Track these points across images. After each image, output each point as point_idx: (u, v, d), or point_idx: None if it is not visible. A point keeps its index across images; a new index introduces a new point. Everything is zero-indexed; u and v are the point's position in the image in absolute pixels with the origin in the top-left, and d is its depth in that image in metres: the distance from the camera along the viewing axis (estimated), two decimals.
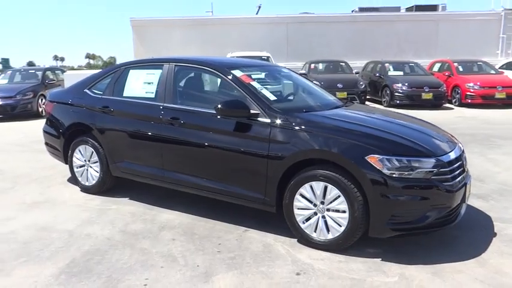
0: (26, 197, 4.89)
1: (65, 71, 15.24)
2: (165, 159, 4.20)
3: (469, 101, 13.43)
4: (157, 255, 3.41)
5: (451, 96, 14.12)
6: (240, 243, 3.62)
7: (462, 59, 15.79)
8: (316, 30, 19.52)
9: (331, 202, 3.37)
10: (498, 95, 13.26)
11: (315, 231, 3.47)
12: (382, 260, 3.30)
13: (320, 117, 3.73)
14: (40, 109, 12.49)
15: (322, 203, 3.41)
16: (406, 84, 13.26)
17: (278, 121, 3.58)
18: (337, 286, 2.93)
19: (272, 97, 3.93)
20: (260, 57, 13.76)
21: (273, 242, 3.65)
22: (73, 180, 5.40)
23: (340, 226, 3.35)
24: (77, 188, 5.13)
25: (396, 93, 13.30)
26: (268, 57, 14.58)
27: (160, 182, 4.35)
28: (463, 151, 3.77)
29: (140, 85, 4.54)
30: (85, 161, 4.91)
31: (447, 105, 13.82)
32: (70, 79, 11.17)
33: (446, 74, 14.70)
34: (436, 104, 13.25)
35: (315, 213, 3.46)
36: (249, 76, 4.10)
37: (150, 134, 4.27)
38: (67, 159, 5.10)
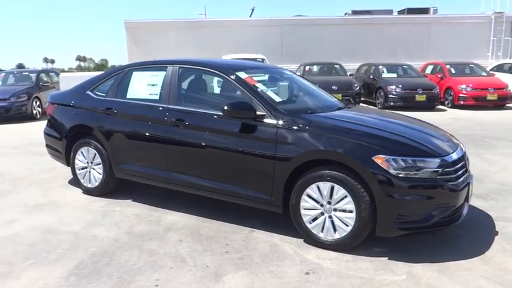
0: (27, 199, 4.87)
1: (59, 73, 15.14)
2: (170, 160, 4.21)
3: (462, 102, 13.60)
4: (166, 256, 3.42)
5: (444, 98, 14.30)
6: (247, 244, 3.65)
7: (454, 61, 16.00)
8: (309, 33, 19.63)
9: (338, 202, 3.41)
10: (490, 97, 13.46)
11: (322, 231, 3.51)
12: (389, 259, 3.35)
13: (326, 119, 3.77)
14: (34, 111, 12.40)
15: (329, 203, 3.45)
16: (400, 86, 13.40)
17: (285, 122, 3.62)
18: (347, 285, 2.97)
19: (277, 99, 3.97)
20: (255, 60, 13.82)
21: (280, 242, 3.68)
22: (74, 182, 5.39)
23: (347, 226, 3.39)
24: (79, 190, 5.12)
25: (390, 95, 13.42)
26: (263, 59, 14.64)
27: (165, 183, 4.36)
28: (465, 151, 3.84)
29: (144, 87, 4.55)
30: (87, 163, 4.90)
31: (440, 106, 14.00)
32: (66, 81, 11.19)
33: (439, 76, 14.87)
34: (429, 105, 13.41)
35: (322, 213, 3.50)
36: (254, 78, 4.13)
37: (154, 135, 4.28)
38: (69, 161, 5.08)
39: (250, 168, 3.76)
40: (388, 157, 3.23)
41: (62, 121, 5.07)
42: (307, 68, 15.45)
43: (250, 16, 23.70)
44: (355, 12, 21.57)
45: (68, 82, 11.02)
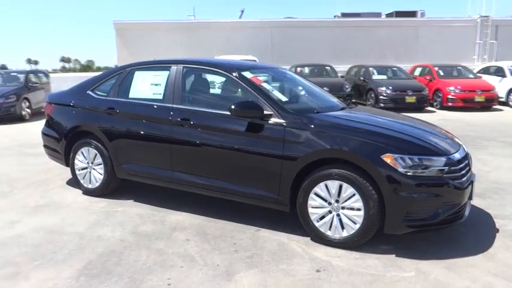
0: (27, 200, 4.80)
1: (48, 74, 14.93)
2: (174, 160, 4.20)
3: (450, 104, 13.82)
4: (175, 256, 3.41)
5: (433, 99, 14.51)
6: (254, 243, 3.65)
7: (442, 64, 16.26)
8: (299, 35, 19.75)
9: (346, 200, 3.44)
10: (478, 99, 13.69)
11: (330, 229, 3.54)
12: (396, 256, 3.39)
13: (332, 118, 3.81)
14: (23, 112, 12.20)
15: (337, 201, 3.48)
16: (390, 87, 13.55)
17: (292, 122, 3.64)
18: (358, 282, 3.00)
19: (283, 98, 3.99)
20: (247, 61, 13.82)
21: (287, 240, 3.70)
22: (73, 183, 5.34)
23: (355, 224, 3.43)
24: (79, 191, 5.06)
25: (381, 97, 13.56)
26: (254, 61, 14.65)
27: (169, 183, 4.34)
28: (467, 151, 3.91)
29: (147, 86, 4.54)
30: (88, 163, 4.85)
31: (429, 108, 14.20)
32: (57, 82, 10.99)
33: (428, 78, 15.09)
34: (419, 107, 13.59)
35: (330, 212, 3.53)
36: (259, 78, 4.15)
37: (158, 135, 4.26)
38: (68, 161, 5.03)
39: (257, 167, 3.77)
40: (397, 156, 3.28)
41: (62, 121, 5.01)
42: (298, 69, 15.52)
43: (240, 18, 23.72)
44: (344, 15, 21.76)
45: (59, 83, 10.94)
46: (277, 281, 3.01)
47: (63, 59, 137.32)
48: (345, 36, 19.96)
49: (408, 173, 3.26)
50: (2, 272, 3.14)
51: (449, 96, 13.84)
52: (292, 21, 21.06)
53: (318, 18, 21.74)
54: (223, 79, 4.30)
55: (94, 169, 4.82)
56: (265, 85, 4.03)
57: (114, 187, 4.86)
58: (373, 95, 13.95)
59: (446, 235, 3.76)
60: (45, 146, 5.39)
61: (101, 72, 5.19)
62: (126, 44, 19.24)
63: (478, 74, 15.78)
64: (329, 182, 3.47)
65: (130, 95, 4.60)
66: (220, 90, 4.48)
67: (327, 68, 15.77)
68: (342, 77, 15.40)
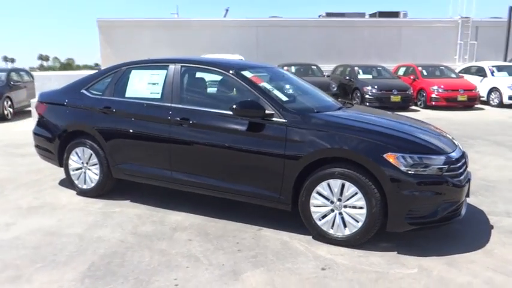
0: (20, 202, 4.70)
1: (30, 73, 14.62)
2: (174, 159, 4.17)
3: (434, 103, 14.09)
4: (179, 256, 3.39)
5: (417, 98, 14.75)
6: (257, 242, 3.66)
7: (426, 64, 16.56)
8: (285, 34, 19.84)
9: (348, 199, 3.48)
10: (460, 98, 13.99)
11: (332, 228, 3.58)
12: (398, 253, 3.45)
13: (333, 117, 3.84)
14: (6, 112, 11.91)
15: (339, 200, 3.52)
16: (376, 87, 13.73)
17: (294, 121, 3.66)
18: (364, 279, 3.04)
19: (284, 97, 4.01)
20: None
21: (289, 239, 3.72)
22: (65, 183, 5.25)
23: (358, 222, 3.47)
24: (72, 192, 4.98)
25: (366, 96, 13.73)
26: (241, 59, 14.65)
27: (168, 183, 4.31)
28: (463, 150, 4.00)
29: (144, 85, 4.49)
30: (82, 163, 4.78)
31: (413, 107, 14.43)
32: (41, 81, 10.79)
33: (412, 77, 15.35)
34: (403, 106, 13.81)
35: (332, 210, 3.56)
36: (259, 77, 4.15)
37: (157, 134, 4.22)
38: (61, 162, 4.94)
39: (258, 166, 3.78)
40: (399, 154, 3.33)
41: (55, 121, 4.92)
42: (284, 68, 15.54)
43: (224, 16, 23.66)
44: (329, 15, 21.94)
45: (43, 81, 10.69)
46: (284, 279, 3.03)
47: (41, 57, 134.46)
48: (330, 36, 20.14)
49: (410, 172, 3.31)
50: (3, 275, 3.07)
51: (433, 96, 14.10)
52: (278, 20, 21.14)
53: (303, 17, 21.87)
54: (223, 78, 4.28)
55: (89, 169, 4.75)
56: (265, 84, 4.04)
57: (110, 187, 4.79)
58: (358, 94, 14.11)
59: (444, 232, 3.84)
60: (36, 146, 5.28)
61: (95, 71, 5.11)
62: (109, 43, 18.99)
63: (460, 74, 16.12)
64: (331, 181, 3.51)
65: (127, 94, 4.55)
66: (219, 89, 4.46)
67: (313, 67, 15.88)
68: (327, 76, 15.52)
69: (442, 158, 3.44)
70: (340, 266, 3.23)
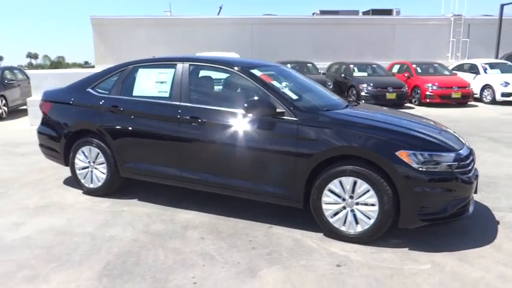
0: (26, 202, 4.67)
1: (23, 71, 14.46)
2: (183, 158, 4.18)
3: (428, 100, 14.22)
4: (193, 254, 3.40)
5: (411, 96, 14.87)
6: (270, 239, 3.69)
7: (420, 61, 16.69)
8: (279, 32, 19.85)
9: (360, 196, 3.52)
10: (454, 95, 14.14)
11: (344, 225, 3.61)
12: (409, 250, 3.50)
13: (343, 115, 3.88)
14: (0, 111, 11.80)
15: (351, 197, 3.55)
16: (371, 84, 13.81)
17: (305, 119, 3.68)
18: (379, 275, 3.09)
19: (294, 96, 4.03)
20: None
21: (301, 237, 3.75)
22: (70, 182, 5.25)
23: (370, 219, 3.51)
24: (78, 191, 4.96)
25: (362, 93, 13.80)
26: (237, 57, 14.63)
27: (177, 181, 4.32)
28: (471, 147, 4.07)
29: (152, 84, 4.49)
30: (89, 162, 4.76)
31: (408, 104, 14.55)
32: (38, 79, 10.66)
33: (406, 75, 15.46)
34: (399, 103, 13.88)
35: (344, 208, 3.60)
36: (268, 75, 4.17)
37: (166, 133, 4.22)
38: (67, 161, 4.92)
39: (270, 164, 3.80)
40: (410, 152, 3.37)
41: (61, 119, 4.89)
42: None
43: (218, 14, 23.61)
44: (323, 12, 22.00)
45: (39, 80, 10.56)
46: (301, 276, 3.06)
47: (30, 55, 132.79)
48: (324, 34, 20.19)
49: (421, 169, 3.36)
50: (19, 275, 3.07)
51: (428, 93, 14.23)
52: (272, 18, 21.15)
53: (298, 15, 21.92)
54: (232, 77, 4.28)
55: (96, 168, 4.74)
56: (275, 83, 4.06)
57: (117, 186, 4.78)
58: (354, 92, 14.18)
59: (452, 228, 3.90)
60: (41, 145, 5.25)
61: (101, 70, 5.08)
62: (103, 41, 18.83)
63: (453, 71, 16.27)
64: (343, 179, 3.54)
65: (134, 93, 4.55)
66: (228, 88, 4.47)
67: (308, 65, 15.93)
68: (323, 74, 15.57)
69: (452, 155, 3.49)
70: (355, 263, 3.27)
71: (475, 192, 3.80)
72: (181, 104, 4.18)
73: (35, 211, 4.38)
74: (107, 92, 4.69)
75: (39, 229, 3.90)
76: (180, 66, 4.33)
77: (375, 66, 15.78)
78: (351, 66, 15.35)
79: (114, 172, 4.63)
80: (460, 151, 3.61)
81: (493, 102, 14.62)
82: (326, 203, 3.64)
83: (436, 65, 16.28)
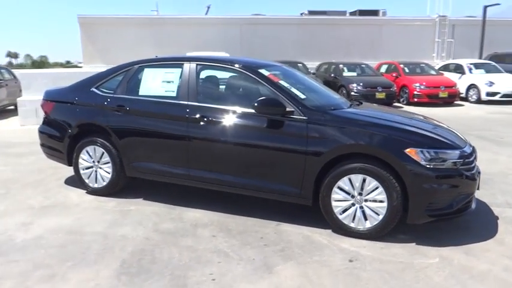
0: (30, 202, 4.64)
1: (10, 71, 14.23)
2: (192, 157, 4.21)
3: (416, 99, 14.50)
4: (207, 252, 3.45)
5: (399, 95, 15.12)
6: (280, 236, 3.75)
7: (407, 61, 16.97)
8: (268, 32, 19.95)
9: (369, 193, 3.61)
10: (441, 94, 14.44)
11: (353, 221, 3.70)
12: (416, 244, 3.60)
13: (351, 114, 3.97)
14: None
15: (360, 194, 3.64)
16: (361, 84, 13.99)
17: (314, 118, 3.76)
18: (391, 269, 3.18)
19: (302, 95, 4.10)
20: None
21: (310, 233, 3.82)
22: (71, 182, 5.25)
23: (378, 215, 3.60)
24: (81, 190, 4.95)
25: (352, 93, 13.96)
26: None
27: (185, 180, 4.35)
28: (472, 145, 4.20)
29: (158, 84, 4.51)
30: (93, 162, 4.75)
31: (396, 104, 14.78)
32: (27, 79, 10.53)
33: (394, 75, 15.71)
34: (388, 103, 14.05)
35: (353, 204, 3.69)
36: (275, 75, 4.24)
37: (174, 132, 4.25)
38: (71, 161, 4.90)
39: (280, 163, 3.86)
40: (419, 149, 3.48)
41: (64, 119, 4.87)
42: None
43: (206, 14, 23.58)
44: (311, 13, 22.17)
45: (29, 80, 10.44)
46: (317, 271, 3.13)
47: (10, 54, 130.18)
48: (312, 34, 20.37)
49: (429, 166, 3.47)
50: (36, 274, 3.07)
51: (415, 93, 14.50)
52: (261, 18, 21.24)
53: (287, 15, 22.05)
54: (239, 76, 4.32)
55: (100, 168, 4.73)
56: (283, 83, 4.12)
57: (121, 186, 4.79)
58: (344, 92, 14.34)
59: (454, 223, 4.02)
60: (42, 145, 5.21)
61: (105, 69, 5.07)
62: (91, 40, 18.64)
63: (440, 71, 16.59)
64: (353, 176, 3.63)
65: (141, 93, 4.56)
66: (235, 87, 4.51)
67: (298, 65, 16.01)
68: (313, 73, 15.70)
69: (457, 152, 3.61)
70: (366, 258, 3.36)
71: (478, 188, 3.92)
72: (190, 103, 4.21)
73: (41, 211, 4.36)
74: (112, 92, 4.68)
75: (49, 229, 3.89)
76: (187, 66, 4.36)
77: (364, 66, 15.99)
78: (341, 66, 15.52)
79: (120, 171, 4.63)
80: (464, 148, 3.73)
81: (479, 101, 14.97)
82: (335, 200, 3.72)
83: (423, 65, 16.59)
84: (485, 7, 20.44)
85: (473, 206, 3.82)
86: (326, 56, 19.00)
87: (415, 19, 21.72)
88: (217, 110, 4.11)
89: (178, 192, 4.83)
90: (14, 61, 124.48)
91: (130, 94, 4.58)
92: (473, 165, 3.73)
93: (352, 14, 23.22)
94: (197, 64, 4.35)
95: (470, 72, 15.97)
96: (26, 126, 10.03)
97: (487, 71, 15.86)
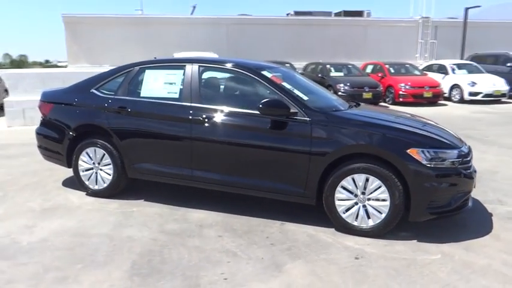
0: (30, 204, 4.60)
1: None
2: (195, 158, 4.25)
3: (402, 99, 14.75)
4: (215, 252, 3.49)
5: (385, 95, 15.37)
6: (285, 235, 3.83)
7: (392, 62, 17.25)
8: (255, 32, 20.01)
9: (372, 192, 3.71)
10: (426, 94, 14.74)
11: (356, 220, 3.80)
12: (418, 242, 3.72)
13: (353, 115, 4.07)
14: None
15: (363, 193, 3.74)
16: (348, 84, 14.19)
17: (318, 119, 3.84)
18: (396, 265, 3.29)
19: (305, 97, 4.18)
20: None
21: (314, 232, 3.90)
22: (69, 184, 5.23)
23: (381, 213, 3.71)
24: (80, 192, 4.93)
25: (339, 93, 14.11)
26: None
27: (188, 181, 4.38)
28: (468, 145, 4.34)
29: (160, 85, 4.52)
30: (93, 163, 4.74)
31: (382, 104, 15.02)
32: (14, 79, 10.34)
33: (380, 75, 15.95)
34: (374, 102, 14.30)
35: (356, 203, 3.79)
36: (277, 77, 4.30)
37: (177, 133, 4.28)
38: (70, 162, 4.87)
39: (284, 163, 3.93)
40: (420, 149, 3.60)
41: (64, 121, 4.83)
42: None
43: (191, 14, 23.51)
44: (297, 13, 22.33)
45: (16, 80, 10.25)
46: (325, 269, 3.21)
47: None
48: (298, 34, 20.53)
49: (429, 165, 3.59)
50: (48, 276, 3.07)
51: (401, 92, 14.76)
52: (248, 18, 21.29)
53: (274, 15, 22.15)
54: (243, 78, 4.37)
55: (101, 169, 4.72)
56: (286, 84, 4.20)
57: (122, 187, 4.79)
58: (332, 92, 14.49)
59: (453, 221, 4.16)
60: (40, 146, 5.16)
61: (105, 70, 5.06)
62: (76, 39, 18.38)
63: (424, 72, 16.92)
64: (356, 176, 3.72)
65: (142, 94, 4.57)
66: (238, 89, 4.56)
67: (286, 65, 16.03)
68: (302, 74, 15.81)
69: (455, 152, 3.75)
70: (371, 255, 3.45)
71: (474, 186, 4.06)
72: (193, 104, 4.25)
73: (43, 214, 4.34)
74: (112, 93, 4.68)
75: (53, 231, 3.88)
76: (189, 67, 4.39)
77: (351, 66, 16.21)
78: (328, 66, 15.70)
79: (121, 173, 4.63)
80: (462, 148, 3.87)
81: (461, 101, 15.32)
82: (339, 199, 3.81)
83: (408, 65, 16.89)
84: (467, 9, 20.92)
85: (470, 203, 3.96)
86: (313, 56, 19.18)
87: (398, 20, 22.10)
88: (220, 111, 4.15)
89: (179, 193, 4.86)
90: None
91: (131, 95, 4.59)
92: (470, 164, 3.87)
93: (337, 14, 23.48)
94: (199, 66, 4.38)
95: (453, 73, 16.32)
96: (13, 127, 9.86)
97: (469, 72, 16.24)
